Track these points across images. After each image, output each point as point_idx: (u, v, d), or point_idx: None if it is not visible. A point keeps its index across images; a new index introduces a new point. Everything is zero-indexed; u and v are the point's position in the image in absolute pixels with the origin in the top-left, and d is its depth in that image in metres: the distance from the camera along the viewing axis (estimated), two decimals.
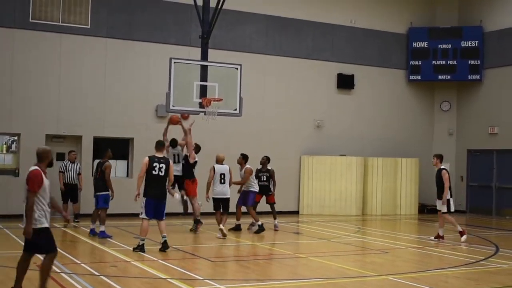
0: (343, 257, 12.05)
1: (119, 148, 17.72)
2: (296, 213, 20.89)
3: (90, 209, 16.72)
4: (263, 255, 12.31)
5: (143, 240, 11.77)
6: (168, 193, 12.44)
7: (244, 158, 15.37)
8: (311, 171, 21.09)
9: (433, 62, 22.82)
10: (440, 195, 14.60)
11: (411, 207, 22.26)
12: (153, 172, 11.79)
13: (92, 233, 13.98)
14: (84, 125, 18.18)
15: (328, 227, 17.03)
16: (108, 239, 13.43)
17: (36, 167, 7.47)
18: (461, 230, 14.58)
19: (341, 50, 22.18)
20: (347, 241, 14.49)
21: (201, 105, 14.44)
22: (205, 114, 14.45)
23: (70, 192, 16.64)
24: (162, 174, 11.83)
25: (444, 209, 14.54)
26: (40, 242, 7.47)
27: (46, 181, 7.47)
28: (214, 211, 14.55)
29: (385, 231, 16.85)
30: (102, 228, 13.75)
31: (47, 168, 7.64)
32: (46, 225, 7.48)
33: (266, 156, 16.16)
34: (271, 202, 16.07)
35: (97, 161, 17.55)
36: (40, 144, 17.47)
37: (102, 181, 13.85)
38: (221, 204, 14.45)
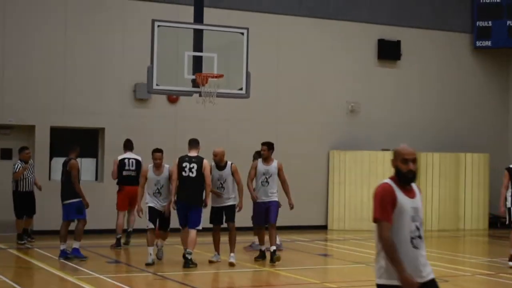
0: None
1: (85, 142, 17.80)
2: (324, 228, 20.91)
3: (44, 224, 16.87)
4: (280, 284, 12.33)
5: (190, 253, 12.99)
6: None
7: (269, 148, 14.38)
8: (343, 172, 21.09)
9: (509, 22, 22.72)
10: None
11: (479, 219, 22.21)
12: (183, 173, 13.11)
13: (63, 255, 13.94)
14: (38, 112, 18.18)
15: (366, 247, 17.02)
16: (80, 259, 13.73)
17: (387, 181, 6.29)
18: None
19: (383, 8, 22.12)
20: None
21: (194, 83, 14.48)
22: (200, 96, 14.48)
23: (27, 203, 16.06)
24: (194, 175, 13.05)
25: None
26: None
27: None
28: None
29: (444, 252, 16.86)
30: (76, 245, 13.97)
31: None
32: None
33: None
34: None
35: (56, 159, 17.67)
36: None
37: (70, 185, 13.96)
38: None
